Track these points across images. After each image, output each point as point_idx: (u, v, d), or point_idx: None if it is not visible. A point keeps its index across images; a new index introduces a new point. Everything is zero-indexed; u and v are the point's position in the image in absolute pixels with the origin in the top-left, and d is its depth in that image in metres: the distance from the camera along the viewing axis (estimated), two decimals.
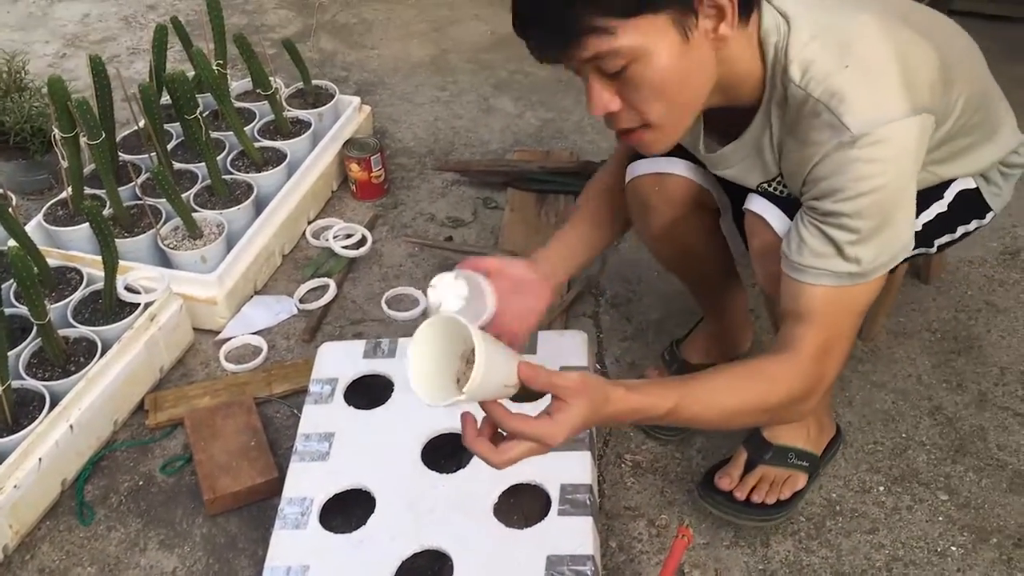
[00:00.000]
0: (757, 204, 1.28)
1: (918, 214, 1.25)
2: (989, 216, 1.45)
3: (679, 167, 1.39)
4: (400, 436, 1.52)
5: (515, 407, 1.05)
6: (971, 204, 1.40)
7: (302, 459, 1.50)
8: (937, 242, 1.42)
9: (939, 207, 1.36)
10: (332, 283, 1.97)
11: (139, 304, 1.73)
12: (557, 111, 2.55)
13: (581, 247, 1.47)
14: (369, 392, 1.62)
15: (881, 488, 1.55)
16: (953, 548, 1.46)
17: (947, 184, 1.36)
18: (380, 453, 1.50)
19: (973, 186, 1.39)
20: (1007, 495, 1.54)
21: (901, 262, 1.20)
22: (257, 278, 1.96)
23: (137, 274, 1.78)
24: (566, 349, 1.62)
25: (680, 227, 1.44)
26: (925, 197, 1.30)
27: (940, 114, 1.20)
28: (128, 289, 1.75)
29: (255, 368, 1.80)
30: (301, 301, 1.94)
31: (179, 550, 1.51)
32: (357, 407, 1.58)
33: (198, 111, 1.90)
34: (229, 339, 1.85)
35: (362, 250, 2.05)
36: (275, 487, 1.55)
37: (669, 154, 1.40)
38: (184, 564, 1.49)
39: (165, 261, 1.90)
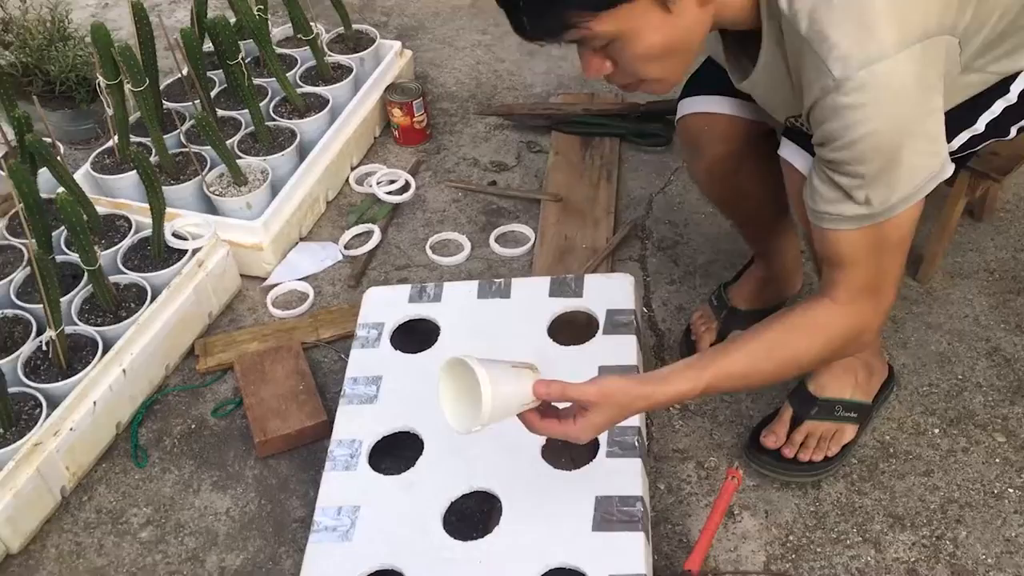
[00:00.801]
0: (786, 150, 1.26)
1: (981, 112, 1.23)
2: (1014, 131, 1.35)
3: (727, 106, 1.36)
4: None
5: None
6: None
7: (350, 402, 1.50)
8: (1014, 128, 1.32)
9: (1005, 102, 1.27)
10: (376, 229, 1.96)
11: (187, 250, 1.74)
12: None
13: None
14: (415, 336, 1.62)
15: (936, 430, 1.53)
16: (1010, 490, 1.43)
17: (1012, 77, 1.26)
18: (427, 396, 1.48)
19: None
20: None
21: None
22: (302, 224, 1.96)
23: (184, 221, 1.79)
24: (612, 293, 1.60)
25: (732, 163, 1.41)
26: (988, 94, 1.25)
27: (966, 27, 1.11)
28: (175, 236, 1.76)
29: (302, 314, 1.81)
30: (346, 247, 1.94)
31: (231, 491, 1.53)
32: (403, 351, 1.58)
33: (240, 57, 1.88)
34: (276, 285, 1.86)
35: (406, 196, 2.04)
36: (324, 430, 1.56)
37: (717, 92, 1.36)
38: (237, 504, 1.51)
39: (211, 208, 1.90)
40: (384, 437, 1.46)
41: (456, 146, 2.21)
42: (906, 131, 1.04)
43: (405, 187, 2.06)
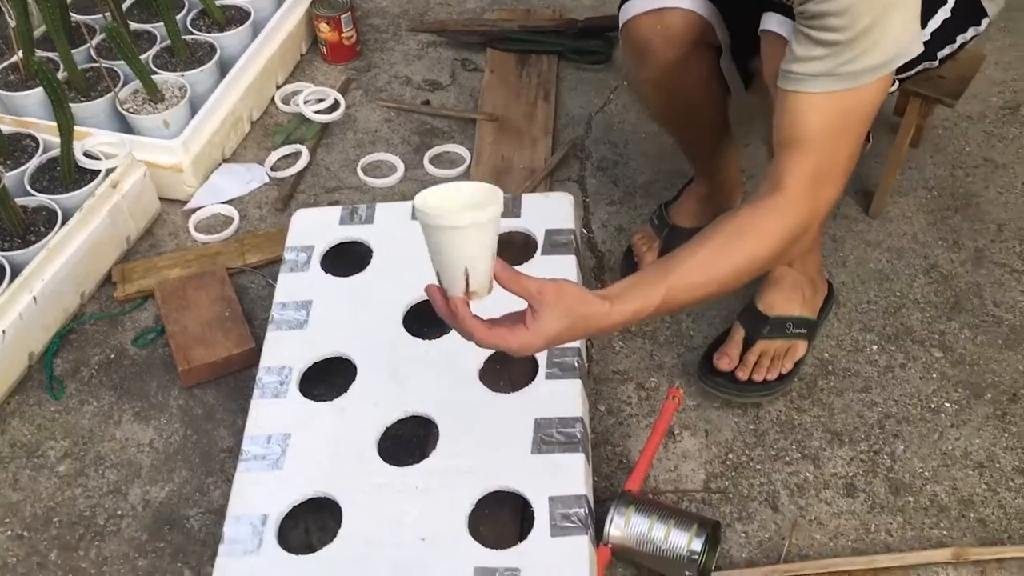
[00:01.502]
0: (773, 22, 1.20)
1: (924, 23, 1.19)
2: (984, 23, 1.36)
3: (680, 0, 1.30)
4: (380, 303, 1.46)
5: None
6: (970, 8, 1.32)
7: (279, 328, 1.44)
8: (939, 54, 1.34)
9: (944, 12, 1.28)
10: (304, 150, 1.87)
11: (100, 171, 1.64)
12: None
13: None
14: (345, 259, 1.56)
15: (874, 347, 1.52)
16: (947, 404, 1.44)
17: None
18: (360, 321, 1.44)
19: None
20: (1002, 351, 1.51)
21: (910, 75, 1.14)
22: (225, 145, 1.87)
23: (96, 139, 1.68)
24: (551, 212, 1.55)
25: (679, 71, 1.35)
26: (929, 4, 1.21)
27: None
28: (87, 155, 1.65)
29: (227, 238, 1.72)
30: (272, 169, 1.85)
31: (155, 422, 1.46)
32: (335, 275, 1.51)
33: None
34: (198, 208, 1.77)
35: (335, 115, 1.94)
36: (252, 357, 1.49)
37: None
38: (161, 435, 1.45)
39: (125, 127, 1.80)
40: (315, 363, 1.40)
41: (388, 64, 2.12)
42: (893, 4, 1.02)
43: (334, 106, 1.96)
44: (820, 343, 1.52)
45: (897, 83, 1.28)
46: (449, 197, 1.00)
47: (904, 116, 1.61)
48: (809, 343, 1.48)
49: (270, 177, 1.84)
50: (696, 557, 1.18)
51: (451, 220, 0.94)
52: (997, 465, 1.36)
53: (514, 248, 1.54)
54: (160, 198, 1.76)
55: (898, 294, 1.60)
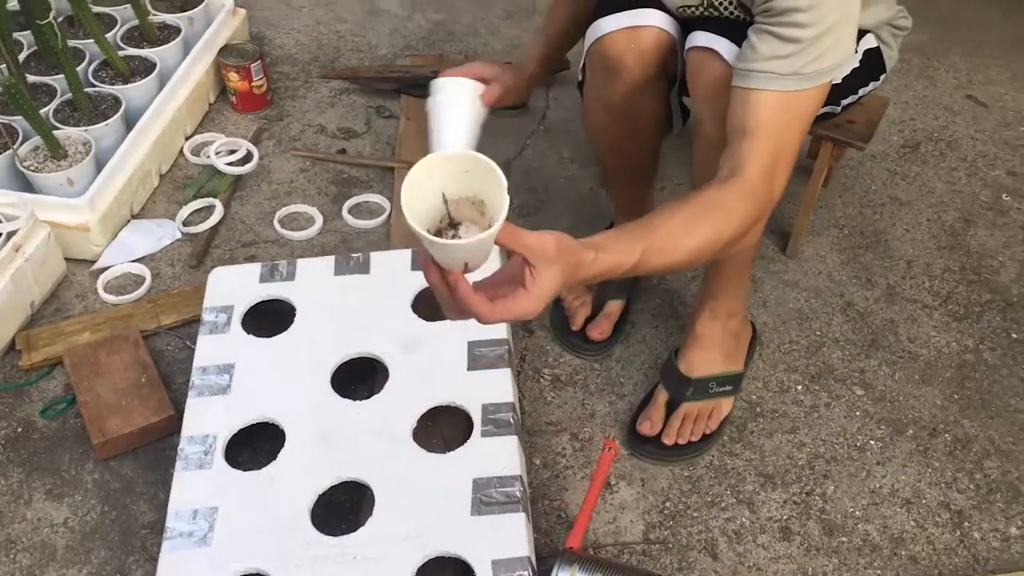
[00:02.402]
0: (703, 38, 1.23)
1: None
2: (881, 78, 1.46)
3: (653, 17, 1.31)
4: (307, 363, 1.42)
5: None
6: (873, 63, 1.40)
7: (200, 394, 1.38)
8: (843, 102, 1.43)
9: (853, 62, 1.35)
10: (218, 203, 1.82)
11: (0, 234, 1.56)
12: (448, 12, 2.41)
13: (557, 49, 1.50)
14: (267, 319, 1.51)
15: (799, 387, 1.55)
16: (872, 442, 1.47)
17: (856, 41, 1.32)
18: (286, 383, 1.40)
19: (875, 44, 1.39)
20: (920, 387, 1.55)
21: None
22: (133, 201, 1.80)
23: None
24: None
25: (640, 96, 1.37)
26: None
27: None
28: None
29: (139, 299, 1.65)
30: (185, 224, 1.79)
31: (69, 499, 1.38)
32: (257, 335, 1.46)
33: (51, 15, 1.68)
34: (107, 268, 1.69)
35: (248, 166, 1.90)
36: (172, 425, 1.44)
37: (641, 4, 1.32)
38: (76, 513, 1.37)
39: (26, 185, 1.71)
40: (241, 430, 1.35)
41: (300, 112, 2.08)
42: (852, 8, 1.10)
43: (247, 157, 1.92)
44: (747, 384, 1.54)
45: None
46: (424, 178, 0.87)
47: (817, 160, 1.66)
48: (734, 397, 1.50)
49: (182, 232, 1.78)
50: None
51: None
52: (923, 501, 1.40)
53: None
54: (66, 259, 1.68)
55: (818, 333, 1.63)
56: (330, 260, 1.55)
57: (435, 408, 1.36)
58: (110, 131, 1.78)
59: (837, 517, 1.38)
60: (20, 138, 1.73)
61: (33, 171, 1.68)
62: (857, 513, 1.38)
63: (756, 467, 1.44)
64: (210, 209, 1.82)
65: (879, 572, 1.31)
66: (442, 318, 1.42)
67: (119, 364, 1.50)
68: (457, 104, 1.31)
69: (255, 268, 1.55)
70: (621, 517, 1.37)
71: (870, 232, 1.82)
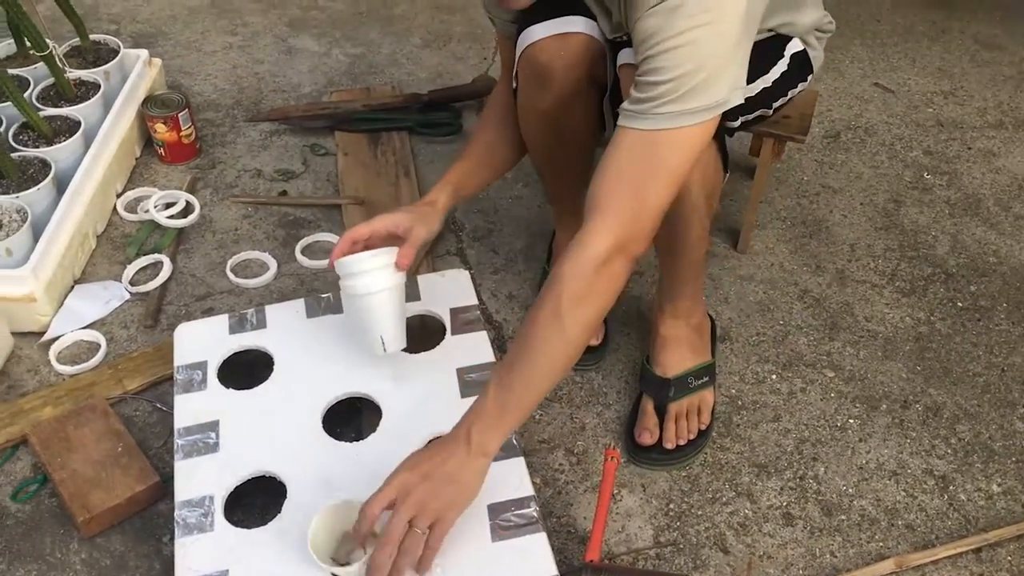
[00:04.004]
0: (628, 55, 1.27)
1: (764, 73, 1.35)
2: (809, 79, 1.50)
3: (580, 24, 1.33)
4: (294, 411, 1.38)
5: None
6: (801, 65, 1.45)
7: (188, 455, 1.33)
8: (775, 104, 1.46)
9: (781, 66, 1.40)
10: (165, 259, 1.76)
11: None
12: (365, 45, 2.40)
13: (476, 173, 1.48)
14: (237, 371, 1.47)
15: (774, 376, 1.60)
16: (851, 420, 1.53)
17: (783, 46, 1.40)
18: (277, 433, 1.36)
19: (801, 48, 1.43)
20: (884, 362, 1.62)
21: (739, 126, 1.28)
22: (75, 266, 1.72)
23: None
24: (451, 290, 1.54)
25: (572, 103, 1.38)
26: (767, 58, 1.35)
27: None
28: None
29: (98, 366, 1.58)
30: (132, 283, 1.73)
31: None
32: (234, 388, 1.42)
33: None
34: (57, 338, 1.62)
35: (190, 218, 1.84)
36: (157, 493, 1.38)
37: (568, 13, 1.34)
38: None
39: None
40: (237, 487, 1.31)
41: (232, 158, 2.04)
42: (722, 53, 1.09)
43: (188, 209, 1.86)
44: (725, 380, 1.58)
45: (740, 125, 1.40)
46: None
47: (760, 156, 1.72)
48: (713, 385, 1.53)
49: (131, 293, 1.71)
50: None
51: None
52: (908, 471, 1.46)
53: (424, 332, 1.51)
54: (12, 332, 1.60)
55: (781, 322, 1.69)
56: (300, 303, 1.52)
57: (435, 438, 1.34)
58: (42, 196, 1.70)
59: (832, 497, 1.42)
60: None
61: None
62: (850, 490, 1.43)
63: (748, 458, 1.47)
64: (156, 266, 1.76)
65: (881, 544, 1.36)
66: (425, 349, 1.45)
67: (90, 436, 1.43)
68: (379, 300, 1.34)
69: (223, 320, 1.51)
70: (629, 524, 1.38)
71: (811, 221, 1.90)
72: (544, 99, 1.39)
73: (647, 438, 1.45)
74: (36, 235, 1.65)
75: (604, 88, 1.42)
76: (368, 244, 1.37)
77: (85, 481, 1.37)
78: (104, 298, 1.70)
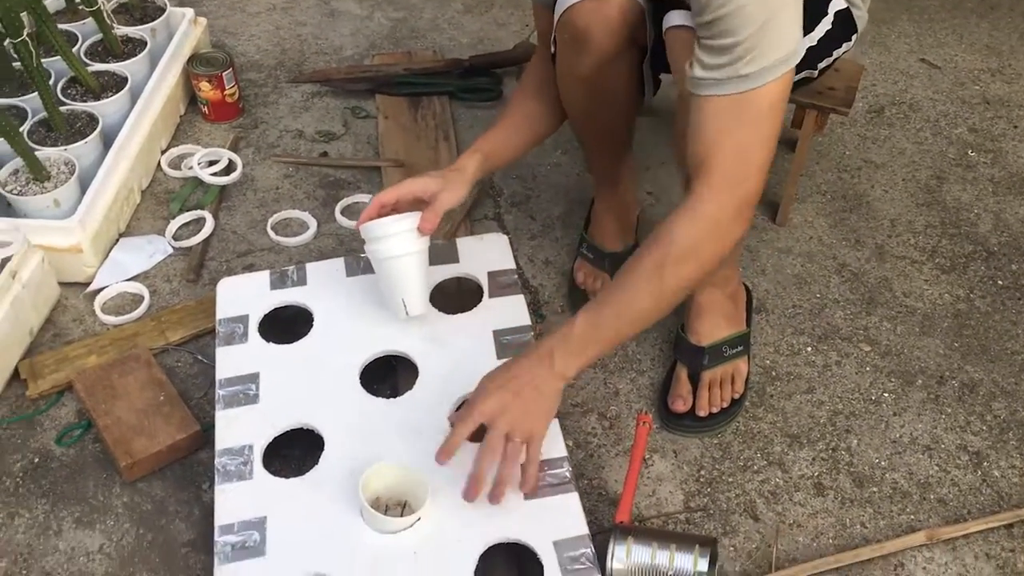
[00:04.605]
0: (676, 17, 1.25)
1: (808, 32, 1.31)
2: (854, 38, 1.49)
3: None
4: (333, 366, 1.40)
5: None
6: (844, 24, 1.43)
7: (228, 406, 1.36)
8: (819, 65, 1.45)
9: (826, 24, 1.38)
10: (207, 215, 1.78)
11: None
12: (407, 10, 2.40)
13: (509, 143, 1.45)
14: (276, 326, 1.49)
15: (809, 348, 1.60)
16: (885, 394, 1.53)
17: (827, 3, 1.38)
18: (315, 387, 1.38)
19: (845, 5, 1.42)
20: (921, 338, 1.61)
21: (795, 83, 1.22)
22: (120, 219, 1.75)
23: None
24: (489, 254, 1.55)
25: (610, 67, 1.37)
26: (812, 16, 1.32)
27: None
28: None
29: (140, 317, 1.61)
30: (175, 238, 1.75)
31: (101, 525, 1.35)
32: (276, 343, 1.45)
33: (26, 32, 1.63)
34: (102, 289, 1.65)
35: (233, 176, 1.86)
36: (197, 441, 1.41)
37: None
38: (111, 539, 1.33)
39: (7, 211, 1.66)
40: (275, 438, 1.33)
41: (274, 118, 2.05)
42: (789, 3, 1.10)
43: (230, 167, 1.88)
44: (760, 350, 1.58)
45: None
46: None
47: (802, 128, 1.71)
48: (748, 355, 1.53)
49: (174, 247, 1.74)
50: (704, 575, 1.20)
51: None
52: (942, 446, 1.45)
53: (460, 294, 1.53)
54: (59, 283, 1.63)
55: (818, 296, 1.68)
56: (340, 262, 1.54)
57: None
58: (89, 149, 1.73)
59: (865, 469, 1.42)
60: None
61: (16, 195, 1.63)
62: (883, 463, 1.43)
63: (781, 429, 1.48)
64: (199, 222, 1.79)
65: (912, 516, 1.36)
66: (462, 310, 1.46)
67: (134, 384, 1.47)
68: (402, 264, 1.36)
69: (264, 276, 1.53)
70: (660, 489, 1.39)
71: (851, 195, 1.88)
72: (583, 64, 1.38)
73: (680, 405, 1.45)
74: (83, 188, 1.68)
75: (644, 50, 1.41)
76: (396, 208, 1.38)
77: (128, 428, 1.41)
78: (148, 252, 1.73)
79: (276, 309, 1.50)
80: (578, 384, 1.53)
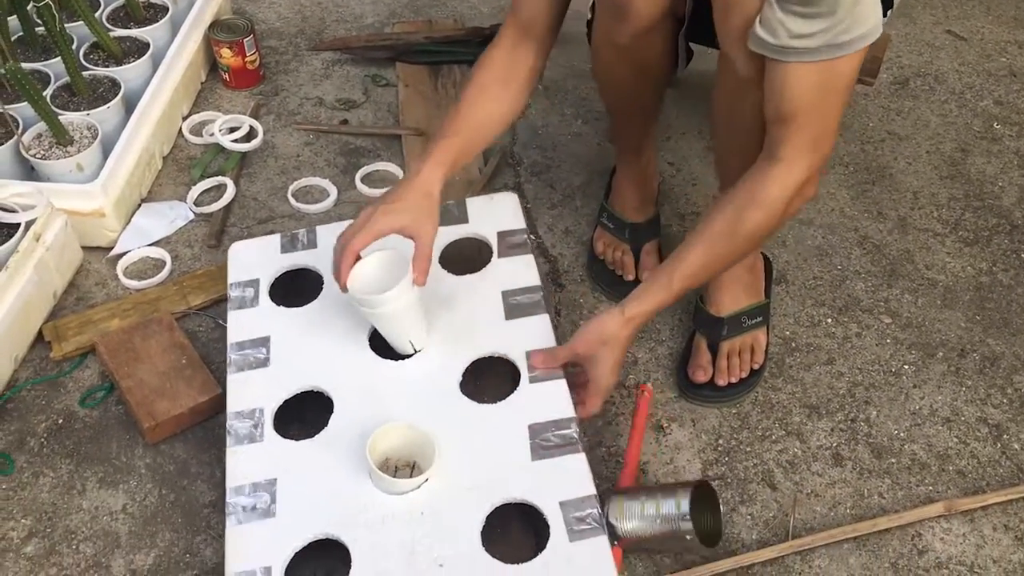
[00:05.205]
0: None
1: None
2: (889, 14, 1.45)
3: None
4: (343, 329, 1.39)
5: None
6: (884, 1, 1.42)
7: (240, 369, 1.36)
8: None
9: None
10: (228, 181, 1.79)
11: (18, 224, 1.52)
12: None
13: (468, 151, 1.38)
14: (288, 288, 1.49)
15: (829, 320, 1.59)
16: (905, 367, 1.52)
17: None
18: (325, 350, 1.38)
19: None
20: (943, 311, 1.60)
21: None
22: (142, 184, 1.76)
23: (8, 191, 1.56)
24: (499, 214, 1.53)
25: (649, 37, 1.36)
26: None
27: None
28: (1, 209, 1.52)
29: (163, 282, 1.63)
30: (196, 204, 1.76)
31: (124, 485, 1.37)
32: (285, 306, 1.45)
33: None
34: (124, 254, 1.66)
35: (254, 143, 1.87)
36: (219, 404, 1.42)
37: None
38: (134, 499, 1.35)
39: (27, 174, 1.67)
40: (284, 403, 1.34)
41: (295, 86, 2.05)
42: None
43: (251, 134, 1.89)
44: (779, 321, 1.58)
45: None
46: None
47: None
48: (767, 326, 1.53)
49: (195, 213, 1.75)
50: (688, 516, 1.19)
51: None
52: (962, 418, 1.45)
53: (471, 255, 1.52)
54: (81, 247, 1.65)
55: (839, 267, 1.67)
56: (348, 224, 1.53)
57: (478, 363, 1.36)
58: (111, 114, 1.74)
59: (884, 440, 1.42)
60: (21, 126, 1.68)
61: (40, 159, 1.64)
62: (902, 435, 1.43)
63: (800, 399, 1.47)
64: (220, 188, 1.79)
65: (931, 488, 1.36)
66: (471, 272, 1.46)
67: (156, 348, 1.48)
68: (404, 315, 1.30)
69: (275, 239, 1.53)
70: (678, 457, 1.40)
71: (874, 167, 1.87)
72: (623, 32, 1.36)
73: (700, 375, 1.46)
74: (105, 153, 1.69)
75: (680, 21, 1.39)
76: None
77: (151, 390, 1.42)
78: (170, 217, 1.74)
79: (291, 272, 1.50)
80: None
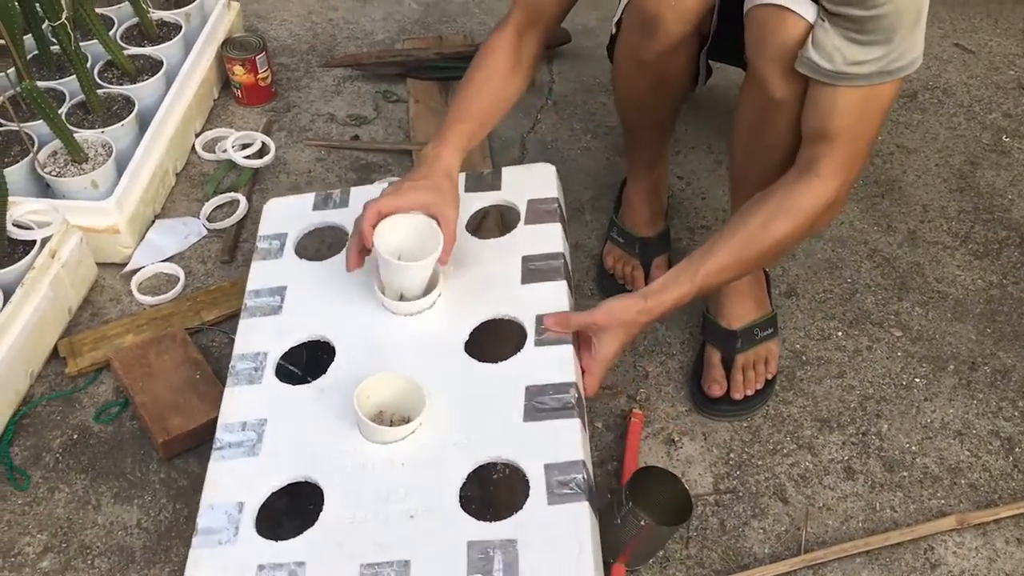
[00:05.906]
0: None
1: None
2: None
3: None
4: (358, 282, 1.38)
5: None
6: None
7: (252, 315, 1.38)
8: None
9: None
10: (241, 197, 1.81)
11: (34, 241, 1.53)
12: None
13: (479, 134, 1.41)
14: (320, 248, 1.51)
15: (839, 333, 1.59)
16: (916, 380, 1.52)
17: None
18: (337, 302, 1.38)
19: None
20: (953, 323, 1.61)
21: None
22: (155, 201, 1.78)
23: (23, 208, 1.57)
24: (533, 182, 1.50)
25: (674, 54, 1.37)
26: None
27: None
28: (16, 226, 1.54)
29: (176, 297, 1.64)
30: (209, 220, 1.78)
31: (139, 500, 1.38)
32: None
33: (64, 15, 1.66)
34: (138, 270, 1.68)
35: (266, 159, 1.88)
36: None
37: None
38: (148, 514, 1.36)
39: (42, 191, 1.69)
40: (292, 349, 1.34)
41: (306, 102, 2.07)
42: (923, 2, 1.13)
43: (263, 150, 1.90)
44: (789, 335, 1.58)
45: None
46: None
47: None
48: (777, 336, 1.54)
49: (208, 229, 1.76)
50: (629, 499, 1.19)
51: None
52: (974, 431, 1.45)
53: (497, 222, 1.51)
54: (96, 263, 1.66)
55: (849, 280, 1.68)
56: (384, 185, 1.49)
57: (489, 325, 1.34)
58: (126, 132, 1.76)
59: (895, 453, 1.42)
60: (36, 144, 1.70)
61: (55, 176, 1.65)
62: (913, 448, 1.43)
63: (811, 412, 1.48)
64: (233, 204, 1.81)
65: (943, 501, 1.36)
66: (494, 236, 1.47)
67: (170, 363, 1.49)
68: (411, 275, 1.32)
69: (309, 197, 1.55)
70: (689, 471, 1.40)
71: (884, 180, 1.87)
72: (649, 49, 1.37)
73: (716, 390, 1.46)
74: (120, 170, 1.70)
75: (704, 38, 1.40)
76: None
77: (165, 405, 1.43)
78: (183, 233, 1.75)
79: (323, 231, 1.51)
80: None
